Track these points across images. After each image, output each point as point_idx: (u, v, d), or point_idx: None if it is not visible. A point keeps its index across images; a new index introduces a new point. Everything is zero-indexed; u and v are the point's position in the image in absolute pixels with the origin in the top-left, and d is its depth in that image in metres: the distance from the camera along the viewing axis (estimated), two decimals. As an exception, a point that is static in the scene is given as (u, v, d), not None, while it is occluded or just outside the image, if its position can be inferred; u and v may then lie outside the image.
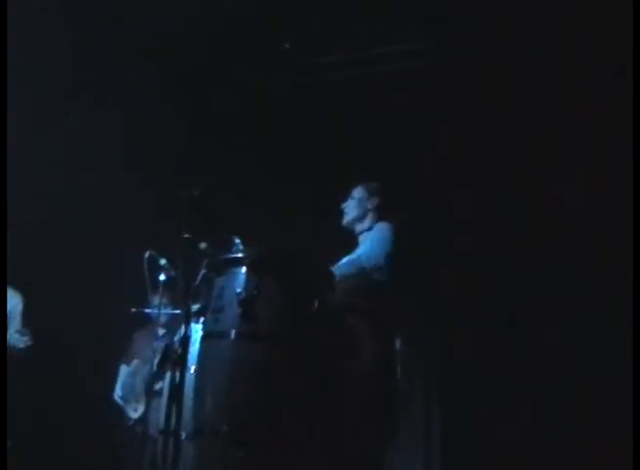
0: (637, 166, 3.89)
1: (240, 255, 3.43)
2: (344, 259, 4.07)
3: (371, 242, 4.02)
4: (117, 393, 6.06)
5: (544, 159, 5.75)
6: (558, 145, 5.68)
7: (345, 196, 4.36)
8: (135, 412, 5.96)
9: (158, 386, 5.09)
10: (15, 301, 5.54)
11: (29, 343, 5.45)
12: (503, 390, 5.59)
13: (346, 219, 4.31)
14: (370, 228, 4.17)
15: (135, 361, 6.04)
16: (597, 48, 5.32)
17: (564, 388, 5.39)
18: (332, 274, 3.65)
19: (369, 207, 4.24)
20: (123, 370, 6.14)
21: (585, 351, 5.34)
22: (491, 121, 5.93)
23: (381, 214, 4.22)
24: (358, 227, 4.26)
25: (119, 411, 6.05)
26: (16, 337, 5.40)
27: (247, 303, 3.14)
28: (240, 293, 3.17)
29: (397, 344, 4.15)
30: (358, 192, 4.32)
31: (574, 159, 5.60)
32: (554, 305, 5.60)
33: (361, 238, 4.21)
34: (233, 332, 3.15)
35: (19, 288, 5.63)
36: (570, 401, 5.36)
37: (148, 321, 5.67)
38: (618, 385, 4.41)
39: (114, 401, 6.07)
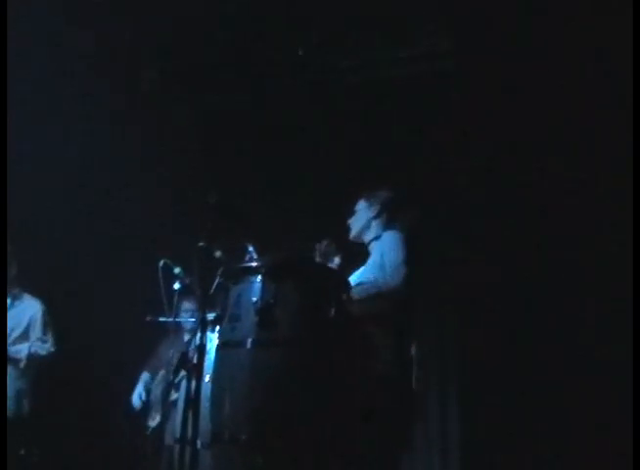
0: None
1: (255, 263, 3.42)
2: (358, 275, 4.08)
3: (381, 256, 4.00)
4: (136, 401, 6.06)
5: (558, 161, 5.74)
6: (573, 147, 5.66)
7: (351, 206, 4.37)
8: (153, 421, 5.97)
9: (174, 395, 5.12)
10: (35, 308, 5.57)
11: (52, 349, 5.50)
12: (520, 391, 5.58)
13: (352, 233, 4.33)
14: (378, 237, 4.17)
15: (161, 372, 6.03)
16: (613, 50, 5.31)
17: (582, 387, 5.37)
18: (347, 280, 3.65)
19: (371, 215, 4.25)
20: (145, 378, 6.14)
21: (604, 349, 5.32)
22: (507, 124, 5.93)
23: (385, 221, 4.22)
24: (366, 237, 4.27)
25: (139, 420, 6.06)
26: (38, 344, 5.46)
27: (263, 311, 3.13)
28: (256, 301, 3.16)
29: (413, 348, 4.14)
30: (360, 204, 4.34)
31: (591, 161, 5.59)
32: (572, 304, 5.58)
33: (371, 248, 4.21)
34: (250, 340, 3.15)
35: (38, 296, 5.67)
36: (587, 399, 5.33)
37: (171, 330, 5.68)
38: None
39: (133, 410, 6.08)
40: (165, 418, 5.51)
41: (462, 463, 5.84)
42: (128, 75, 6.62)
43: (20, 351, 5.40)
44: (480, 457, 5.69)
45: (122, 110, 6.56)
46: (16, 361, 5.37)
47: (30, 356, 5.41)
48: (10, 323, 5.43)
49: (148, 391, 6.09)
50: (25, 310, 5.57)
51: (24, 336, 5.49)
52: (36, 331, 5.54)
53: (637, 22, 4.35)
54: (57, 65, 6.14)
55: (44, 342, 5.52)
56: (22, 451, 5.49)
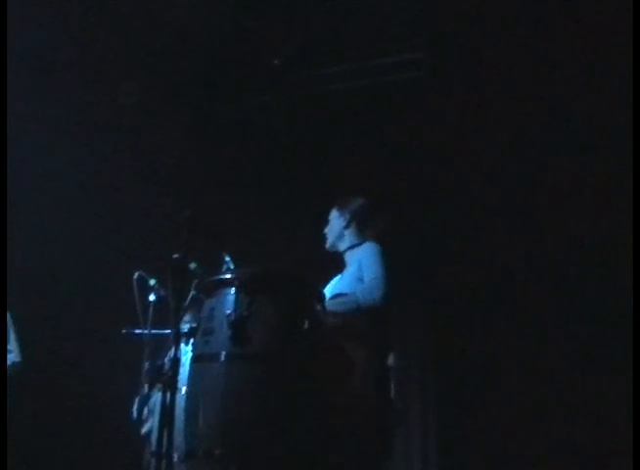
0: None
1: (229, 276, 3.39)
2: (334, 286, 4.06)
3: (359, 268, 3.98)
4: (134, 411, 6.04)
5: (538, 167, 5.77)
6: (552, 153, 5.69)
7: (326, 220, 4.36)
8: (143, 429, 5.95)
9: (150, 405, 5.08)
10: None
11: (17, 360, 5.45)
12: (501, 405, 5.57)
13: (328, 244, 4.32)
14: (353, 245, 4.16)
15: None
16: (595, 50, 5.34)
17: (566, 398, 5.37)
18: (322, 293, 3.63)
19: (342, 225, 4.24)
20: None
21: (591, 365, 5.33)
22: (484, 130, 5.95)
23: (358, 230, 4.21)
24: (341, 246, 4.25)
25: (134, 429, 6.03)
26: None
27: (237, 324, 3.11)
28: (230, 314, 3.13)
29: (391, 359, 4.12)
30: (333, 213, 4.33)
31: (572, 165, 5.61)
32: (555, 316, 5.58)
33: (347, 256, 4.20)
34: (223, 354, 3.12)
35: (8, 307, 5.62)
36: (573, 412, 5.34)
37: (146, 342, 5.64)
38: (619, 386, 4.38)
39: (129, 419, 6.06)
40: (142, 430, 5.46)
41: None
42: (108, 88, 6.59)
43: None
44: (457, 470, 5.68)
45: (101, 123, 6.54)
46: None
47: None
48: None
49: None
50: None
51: None
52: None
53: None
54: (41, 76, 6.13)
55: (9, 352, 5.46)
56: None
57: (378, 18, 5.92)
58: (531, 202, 5.77)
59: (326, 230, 4.34)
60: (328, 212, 4.35)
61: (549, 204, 5.69)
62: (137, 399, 6.02)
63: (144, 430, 5.91)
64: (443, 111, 6.04)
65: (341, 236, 4.25)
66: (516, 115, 5.78)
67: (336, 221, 4.28)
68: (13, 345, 5.53)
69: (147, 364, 4.98)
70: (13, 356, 5.48)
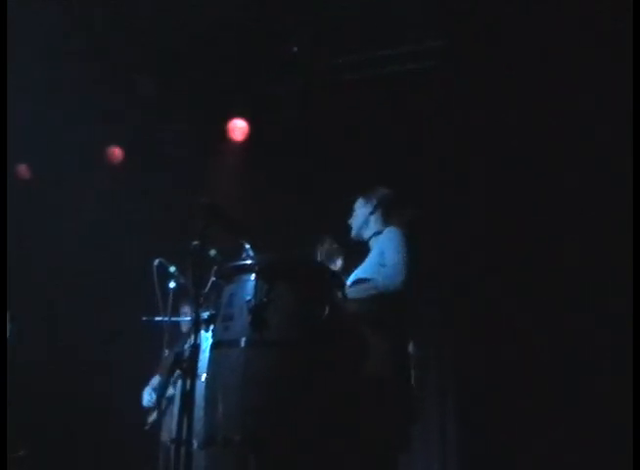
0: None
1: (249, 262, 3.38)
2: (357, 272, 4.05)
3: (380, 254, 3.98)
4: (146, 400, 6.07)
5: (555, 158, 5.71)
6: (568, 144, 5.64)
7: (349, 205, 4.35)
8: (150, 416, 5.98)
9: (169, 393, 5.09)
10: None
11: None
12: (520, 392, 5.54)
13: (353, 232, 4.32)
14: (378, 232, 4.16)
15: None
16: (604, 46, 5.29)
17: (582, 387, 5.34)
18: (341, 278, 3.62)
19: (368, 211, 4.24)
20: (155, 380, 6.14)
21: (610, 360, 5.28)
22: (500, 120, 5.91)
23: (383, 217, 4.20)
24: (365, 234, 4.25)
25: (140, 416, 6.06)
26: None
27: (256, 310, 3.10)
28: (249, 300, 3.13)
29: (411, 347, 4.11)
30: (358, 203, 4.33)
31: (591, 159, 5.57)
32: (574, 305, 5.54)
33: (371, 243, 4.19)
34: (243, 340, 3.11)
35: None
36: (586, 400, 5.30)
37: (167, 329, 5.67)
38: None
39: (135, 407, 6.09)
40: (161, 415, 5.49)
41: (460, 464, 5.81)
42: (125, 78, 6.61)
43: None
44: (478, 458, 5.65)
45: (118, 113, 6.57)
46: None
47: None
48: None
49: (151, 391, 6.10)
50: None
51: None
52: None
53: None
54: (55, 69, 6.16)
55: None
56: (21, 453, 5.50)
57: (395, 5, 5.87)
58: (558, 189, 5.70)
59: (350, 220, 4.34)
60: (348, 197, 4.34)
61: (577, 190, 5.62)
62: (147, 387, 6.08)
63: (150, 418, 5.96)
64: (464, 98, 6.00)
65: (366, 223, 4.24)
66: (537, 101, 5.72)
67: (361, 210, 4.28)
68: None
69: (166, 351, 5.02)
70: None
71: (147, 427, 6.00)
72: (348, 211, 4.36)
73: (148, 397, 6.06)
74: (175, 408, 3.94)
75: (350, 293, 3.71)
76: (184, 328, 5.82)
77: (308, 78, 6.49)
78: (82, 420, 6.43)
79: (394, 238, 3.99)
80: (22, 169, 7.23)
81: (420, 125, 6.23)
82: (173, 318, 5.05)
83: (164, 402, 5.88)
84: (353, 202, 4.35)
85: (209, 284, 3.65)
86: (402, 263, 3.86)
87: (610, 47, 5.15)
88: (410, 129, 6.22)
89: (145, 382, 6.09)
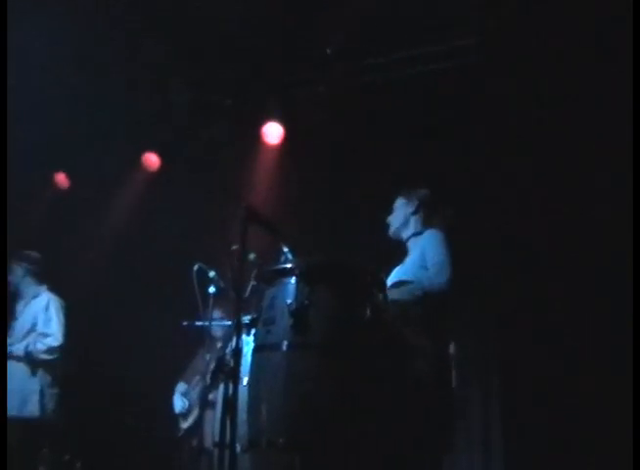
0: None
1: (289, 265, 3.38)
2: (397, 274, 4.03)
3: (421, 255, 3.97)
4: (178, 405, 6.11)
5: (593, 157, 5.63)
6: (609, 142, 5.55)
7: (387, 204, 4.33)
8: (185, 422, 6.01)
9: (211, 397, 5.12)
10: (43, 302, 5.59)
11: (54, 344, 5.50)
12: (564, 392, 5.47)
13: (391, 230, 4.32)
14: (417, 233, 4.14)
15: (196, 377, 6.06)
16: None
17: (628, 390, 5.23)
18: (383, 281, 3.60)
19: (409, 211, 4.23)
20: (181, 387, 6.18)
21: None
22: (537, 118, 5.84)
23: (424, 217, 4.18)
24: (404, 234, 4.25)
25: (171, 423, 6.09)
26: (37, 340, 5.49)
27: (298, 313, 3.09)
28: (291, 303, 3.12)
29: (452, 348, 4.08)
30: (398, 202, 4.32)
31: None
32: (621, 306, 5.43)
33: (410, 244, 4.18)
34: (285, 343, 3.11)
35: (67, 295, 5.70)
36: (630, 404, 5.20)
37: (207, 334, 5.70)
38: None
39: (171, 412, 6.13)
40: (202, 421, 5.51)
41: (505, 464, 5.75)
42: (158, 85, 6.66)
43: (18, 349, 5.42)
44: (522, 458, 5.59)
45: (154, 117, 6.62)
46: (19, 359, 5.40)
47: (29, 354, 5.42)
48: (24, 320, 5.48)
49: (182, 396, 6.13)
50: (36, 306, 5.60)
51: (31, 331, 5.53)
52: (39, 325, 5.55)
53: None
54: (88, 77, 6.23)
55: (45, 336, 5.50)
56: (67, 457, 5.56)
57: (426, 5, 5.83)
58: (602, 186, 5.61)
59: (389, 219, 4.33)
60: (388, 201, 4.32)
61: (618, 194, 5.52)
62: (175, 394, 6.12)
63: (185, 424, 5.99)
64: (498, 96, 5.94)
65: (406, 223, 4.23)
66: (576, 99, 5.65)
67: (402, 209, 4.27)
68: (54, 328, 5.55)
69: (208, 356, 5.04)
70: (50, 340, 5.50)
71: (180, 433, 6.03)
72: (386, 209, 4.34)
73: (180, 403, 6.09)
74: (217, 413, 3.96)
75: (393, 294, 3.70)
76: (218, 333, 5.83)
77: (342, 80, 6.47)
78: (118, 423, 6.49)
79: (436, 240, 3.99)
80: (61, 178, 7.32)
81: (455, 125, 6.17)
82: (214, 323, 5.08)
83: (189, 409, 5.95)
84: (392, 200, 4.34)
85: (250, 288, 3.66)
86: (446, 264, 3.85)
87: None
88: (445, 129, 6.17)
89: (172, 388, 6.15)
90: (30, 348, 5.44)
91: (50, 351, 5.49)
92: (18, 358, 5.42)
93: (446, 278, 3.80)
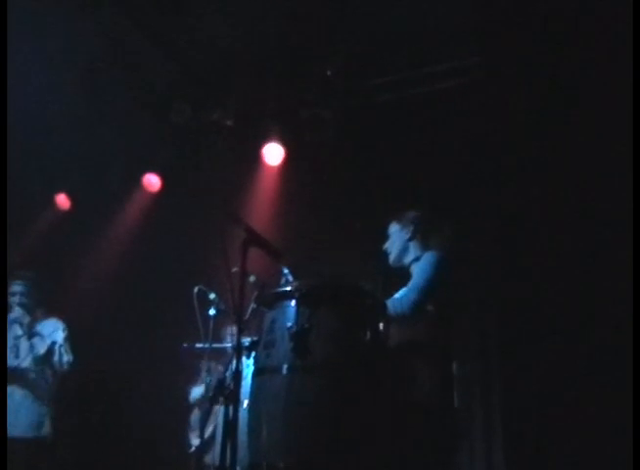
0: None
1: (289, 288, 3.38)
2: (399, 294, 4.03)
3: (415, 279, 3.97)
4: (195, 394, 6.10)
5: (598, 176, 5.62)
6: (612, 157, 5.54)
7: (385, 235, 4.31)
8: (197, 439, 5.99)
9: (212, 419, 5.10)
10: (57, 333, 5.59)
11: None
12: (567, 414, 5.42)
13: (392, 258, 4.24)
14: (417, 258, 4.11)
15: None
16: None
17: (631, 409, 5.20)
18: (383, 303, 3.60)
19: (406, 237, 4.19)
20: (193, 393, 6.16)
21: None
22: (540, 136, 5.84)
23: (422, 241, 4.16)
24: (405, 260, 4.19)
25: (183, 438, 6.08)
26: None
27: (298, 336, 3.10)
28: (291, 326, 3.13)
29: (454, 370, 4.06)
30: (393, 227, 4.27)
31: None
32: (622, 322, 5.41)
33: (412, 269, 4.14)
34: (285, 367, 3.11)
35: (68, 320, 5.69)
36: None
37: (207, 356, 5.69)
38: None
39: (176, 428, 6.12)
40: (205, 443, 5.49)
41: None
42: (159, 105, 6.69)
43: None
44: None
45: (155, 138, 6.65)
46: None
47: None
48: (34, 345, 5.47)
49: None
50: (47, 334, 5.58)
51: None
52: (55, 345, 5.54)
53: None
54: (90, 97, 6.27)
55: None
56: None
57: (427, 24, 5.86)
58: (600, 206, 5.60)
59: (386, 246, 4.28)
60: (386, 223, 4.30)
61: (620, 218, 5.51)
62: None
63: (196, 441, 5.97)
64: (498, 115, 5.95)
65: (405, 249, 4.18)
66: (577, 117, 5.65)
67: (397, 235, 4.22)
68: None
69: (208, 378, 5.03)
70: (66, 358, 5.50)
71: (192, 449, 6.01)
72: (381, 236, 4.32)
73: (195, 393, 6.07)
74: (217, 438, 3.94)
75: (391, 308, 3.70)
76: (218, 355, 5.83)
77: (343, 101, 6.50)
78: (123, 440, 6.47)
79: (430, 262, 3.95)
80: (61, 199, 7.33)
81: (455, 144, 6.18)
82: (214, 345, 5.06)
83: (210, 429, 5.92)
84: (386, 223, 4.33)
85: (250, 311, 3.66)
86: (418, 289, 3.83)
87: None
88: (446, 149, 6.18)
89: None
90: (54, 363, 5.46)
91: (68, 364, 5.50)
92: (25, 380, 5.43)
93: (409, 304, 3.78)
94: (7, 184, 5.34)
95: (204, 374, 6.08)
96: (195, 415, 6.13)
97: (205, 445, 5.83)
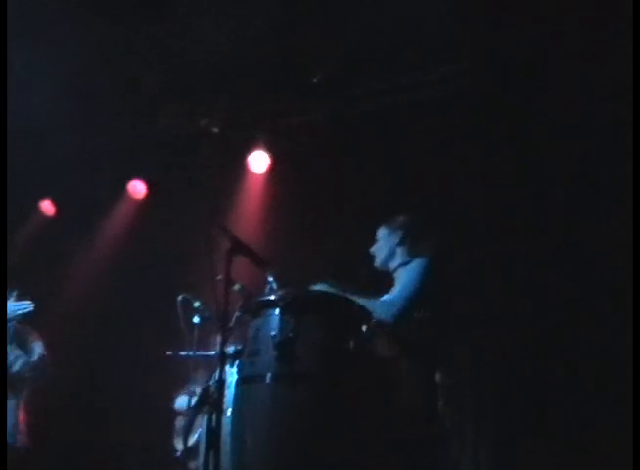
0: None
1: (273, 296, 3.38)
2: (386, 298, 4.03)
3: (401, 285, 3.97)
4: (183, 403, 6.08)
5: (582, 185, 5.65)
6: (598, 169, 5.57)
7: (373, 234, 4.32)
8: (182, 447, 5.96)
9: (196, 427, 5.08)
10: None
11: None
12: (558, 422, 5.42)
13: (377, 261, 4.27)
14: (404, 263, 4.12)
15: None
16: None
17: (621, 416, 5.20)
18: (367, 311, 3.60)
19: (395, 242, 4.20)
20: (179, 401, 6.14)
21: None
22: (523, 146, 5.87)
23: (410, 247, 4.17)
24: (391, 265, 4.21)
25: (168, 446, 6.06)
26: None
27: (282, 345, 3.10)
28: (275, 335, 3.13)
29: (439, 376, 4.06)
30: (381, 231, 4.29)
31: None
32: (607, 328, 5.42)
33: (397, 275, 4.15)
34: (269, 375, 3.11)
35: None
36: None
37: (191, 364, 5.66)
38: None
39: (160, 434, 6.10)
40: (189, 451, 5.46)
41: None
42: (145, 112, 6.69)
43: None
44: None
45: (141, 145, 6.64)
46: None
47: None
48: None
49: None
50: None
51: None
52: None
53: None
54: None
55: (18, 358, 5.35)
56: None
57: (413, 33, 5.88)
58: (591, 212, 5.61)
59: (373, 249, 4.30)
60: (373, 231, 4.31)
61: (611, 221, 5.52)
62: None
63: (180, 446, 5.95)
64: (484, 122, 5.98)
65: (392, 254, 4.20)
66: (562, 126, 5.68)
67: (386, 239, 4.23)
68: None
69: (192, 387, 5.01)
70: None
71: (178, 454, 5.98)
72: (370, 240, 4.33)
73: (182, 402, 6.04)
74: (201, 446, 3.93)
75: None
76: (202, 363, 5.82)
77: (329, 109, 6.51)
78: (108, 450, 6.45)
79: (418, 269, 3.97)
80: (46, 205, 7.29)
81: (442, 152, 6.19)
82: (199, 353, 5.04)
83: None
84: (375, 230, 4.33)
85: (234, 319, 3.65)
86: (404, 297, 3.84)
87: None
88: (432, 156, 6.19)
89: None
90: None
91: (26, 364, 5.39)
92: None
93: (393, 312, 3.79)
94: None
95: (189, 382, 6.08)
96: (180, 423, 6.11)
97: (189, 452, 5.82)
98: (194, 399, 5.89)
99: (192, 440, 5.85)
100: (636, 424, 3.49)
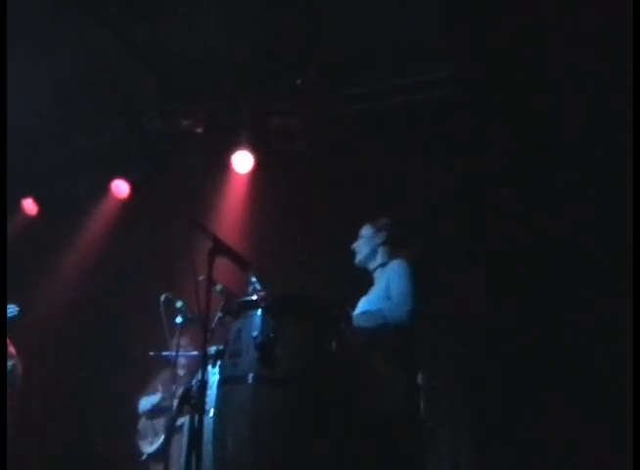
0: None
1: (255, 297, 3.38)
2: (363, 304, 4.03)
3: (387, 286, 3.96)
4: (142, 428, 6.05)
5: (567, 189, 5.68)
6: (583, 175, 5.60)
7: (356, 236, 4.32)
8: (150, 446, 5.93)
9: (178, 423, 5.08)
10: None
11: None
12: (535, 423, 5.45)
13: (358, 259, 4.26)
14: (384, 264, 4.12)
15: (158, 396, 5.99)
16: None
17: (597, 417, 5.24)
18: (348, 312, 3.61)
19: (378, 242, 4.21)
20: (144, 402, 6.11)
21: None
22: (509, 150, 5.89)
23: (391, 248, 4.18)
24: (371, 265, 4.21)
25: (132, 446, 6.03)
26: None
27: (264, 346, 3.10)
28: (257, 336, 3.13)
29: (420, 378, 4.08)
30: (366, 230, 4.28)
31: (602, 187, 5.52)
32: (589, 332, 5.45)
33: (376, 275, 4.16)
34: (251, 376, 3.11)
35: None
36: (598, 426, 5.21)
37: (170, 362, 5.65)
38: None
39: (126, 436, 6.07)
40: (168, 447, 5.45)
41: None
42: (129, 112, 6.68)
43: None
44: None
45: (125, 145, 6.63)
46: None
47: None
48: None
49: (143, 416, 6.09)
50: None
51: None
52: None
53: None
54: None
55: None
56: None
57: (401, 37, 5.89)
58: (573, 218, 5.65)
59: (355, 246, 4.29)
60: (355, 232, 4.31)
61: (599, 222, 5.55)
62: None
63: (150, 448, 5.93)
64: (471, 128, 5.99)
65: (373, 253, 4.20)
66: (545, 130, 5.71)
67: (369, 238, 4.23)
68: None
69: (174, 386, 5.01)
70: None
71: (143, 457, 5.96)
72: (352, 236, 4.33)
73: (149, 425, 6.03)
74: (183, 442, 3.93)
75: (358, 320, 3.70)
76: (184, 363, 5.82)
77: (312, 110, 6.51)
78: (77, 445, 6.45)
79: (400, 270, 3.97)
80: (28, 204, 7.26)
81: (428, 155, 6.21)
82: (181, 353, 5.05)
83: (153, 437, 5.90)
84: (358, 227, 4.34)
85: (216, 319, 3.65)
86: (407, 295, 3.84)
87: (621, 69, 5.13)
88: (418, 160, 6.20)
89: None
90: None
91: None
92: None
93: (407, 310, 3.79)
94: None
95: (157, 384, 6.07)
96: (144, 424, 6.08)
97: (156, 453, 5.82)
98: (154, 400, 6.00)
99: (158, 442, 5.90)
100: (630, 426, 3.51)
